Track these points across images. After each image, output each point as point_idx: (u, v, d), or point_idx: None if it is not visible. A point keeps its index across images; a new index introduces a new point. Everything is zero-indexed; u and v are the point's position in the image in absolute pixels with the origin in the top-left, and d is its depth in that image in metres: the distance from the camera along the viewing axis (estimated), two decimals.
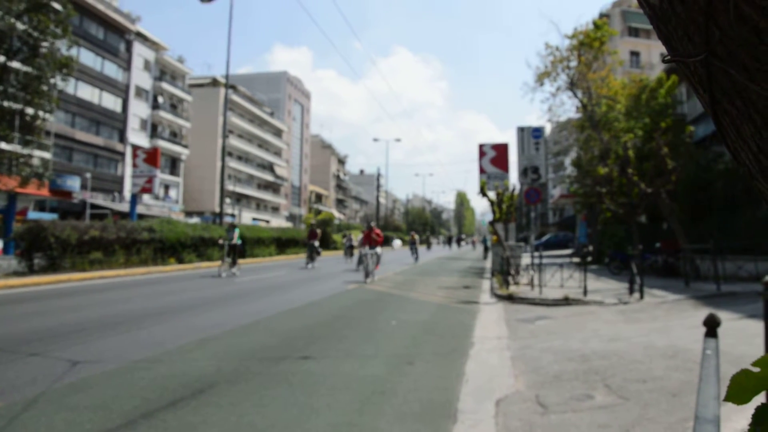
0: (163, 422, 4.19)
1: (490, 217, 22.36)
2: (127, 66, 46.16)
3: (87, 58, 40.45)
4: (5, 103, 18.67)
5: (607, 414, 4.45)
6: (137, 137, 46.73)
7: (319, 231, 25.66)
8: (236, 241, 18.68)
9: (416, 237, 34.61)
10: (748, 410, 0.67)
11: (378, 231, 18.91)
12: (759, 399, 0.70)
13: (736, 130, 0.67)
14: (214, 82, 63.32)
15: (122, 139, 45.42)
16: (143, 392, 4.94)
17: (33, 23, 18.95)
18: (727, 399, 0.64)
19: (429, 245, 69.20)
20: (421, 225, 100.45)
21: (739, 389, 0.62)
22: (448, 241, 76.52)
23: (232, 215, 55.16)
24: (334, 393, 5.08)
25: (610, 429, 4.09)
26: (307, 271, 21.14)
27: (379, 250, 18.29)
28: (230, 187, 58.56)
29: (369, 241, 18.31)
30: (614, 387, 5.21)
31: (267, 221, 62.94)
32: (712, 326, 2.40)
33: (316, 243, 24.30)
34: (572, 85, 25.74)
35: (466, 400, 4.94)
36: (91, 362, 6.01)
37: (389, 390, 5.22)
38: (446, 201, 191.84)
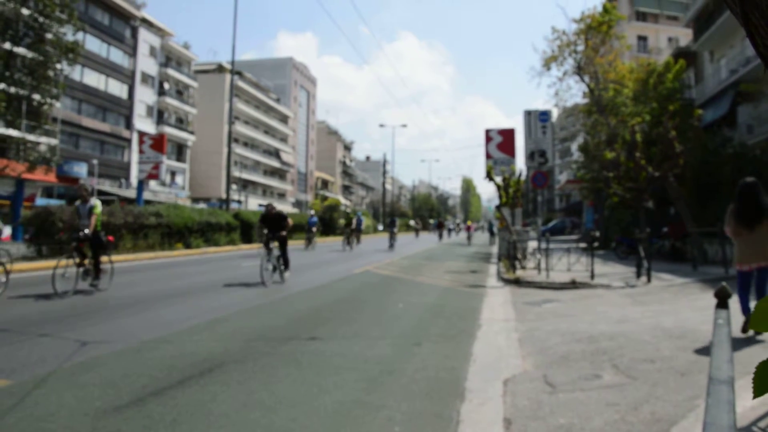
0: (172, 399, 4.22)
1: (496, 203, 22.30)
2: (132, 52, 46.07)
3: (93, 44, 40.34)
4: (12, 89, 18.65)
5: (616, 393, 4.45)
6: (143, 124, 46.76)
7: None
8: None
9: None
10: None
11: None
12: None
13: (767, 24, 0.65)
14: (220, 68, 63.11)
15: (129, 125, 45.44)
16: (152, 371, 4.98)
17: (38, 8, 18.89)
18: (751, 327, 0.62)
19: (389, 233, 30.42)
20: (428, 211, 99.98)
21: (765, 316, 0.61)
22: (415, 228, 52.41)
23: (239, 201, 55.21)
24: (342, 372, 5.10)
25: (619, 407, 4.09)
26: (315, 255, 21.17)
27: None
28: (236, 173, 58.54)
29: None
30: (622, 367, 5.21)
31: None
32: (723, 298, 2.39)
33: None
34: (579, 70, 25.53)
35: (473, 380, 4.96)
36: (100, 342, 6.06)
37: (397, 369, 5.24)
38: (452, 187, 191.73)
